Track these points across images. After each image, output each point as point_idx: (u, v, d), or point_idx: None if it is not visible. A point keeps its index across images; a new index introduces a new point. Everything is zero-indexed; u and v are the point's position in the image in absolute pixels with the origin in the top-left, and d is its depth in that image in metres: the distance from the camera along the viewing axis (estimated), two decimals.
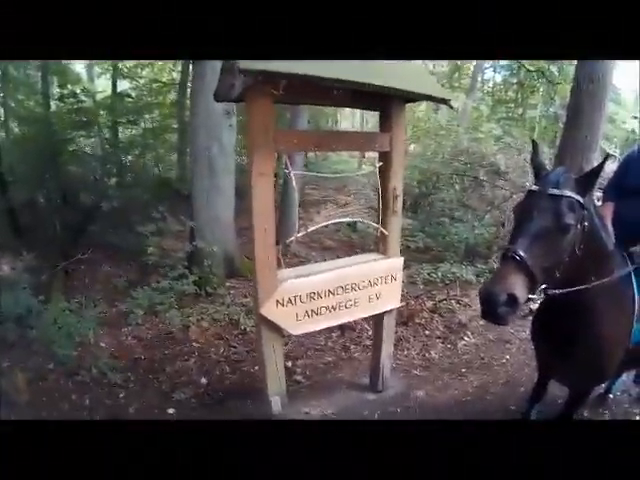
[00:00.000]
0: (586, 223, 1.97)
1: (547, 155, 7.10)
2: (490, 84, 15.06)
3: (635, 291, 2.36)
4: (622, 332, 2.34)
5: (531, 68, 11.84)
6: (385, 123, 3.04)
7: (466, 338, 4.25)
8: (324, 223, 3.18)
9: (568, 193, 1.90)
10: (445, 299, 4.70)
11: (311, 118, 9.50)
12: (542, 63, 11.72)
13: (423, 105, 12.52)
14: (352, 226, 7.85)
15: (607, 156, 1.92)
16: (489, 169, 7.61)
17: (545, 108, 12.39)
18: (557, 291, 1.98)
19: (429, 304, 4.64)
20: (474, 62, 14.27)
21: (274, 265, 2.68)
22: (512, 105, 12.99)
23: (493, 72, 14.77)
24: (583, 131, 5.98)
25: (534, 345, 2.72)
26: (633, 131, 13.72)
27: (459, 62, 15.24)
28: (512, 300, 1.75)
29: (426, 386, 3.49)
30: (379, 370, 3.43)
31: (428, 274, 5.20)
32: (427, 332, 4.30)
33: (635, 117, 13.65)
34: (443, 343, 4.17)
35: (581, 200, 1.93)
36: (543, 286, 1.91)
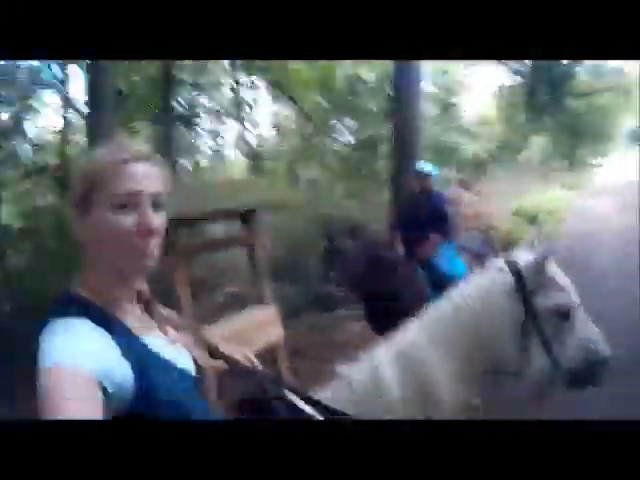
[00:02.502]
0: (361, 251, 3.98)
1: None
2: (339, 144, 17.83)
3: (423, 276, 4.33)
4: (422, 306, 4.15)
5: None
6: None
7: None
8: None
9: (344, 241, 3.99)
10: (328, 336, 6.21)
11: None
12: None
13: None
14: None
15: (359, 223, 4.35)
16: None
17: None
18: (359, 292, 4.14)
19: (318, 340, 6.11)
20: None
21: None
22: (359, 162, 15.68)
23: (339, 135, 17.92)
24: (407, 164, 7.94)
25: None
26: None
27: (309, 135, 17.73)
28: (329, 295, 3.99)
29: None
30: None
31: (310, 324, 6.44)
32: None
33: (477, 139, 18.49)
34: None
35: (351, 242, 3.98)
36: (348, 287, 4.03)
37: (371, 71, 14.56)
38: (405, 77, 8.81)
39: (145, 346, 1.08)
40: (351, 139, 17.37)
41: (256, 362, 1.53)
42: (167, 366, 1.11)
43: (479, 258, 4.72)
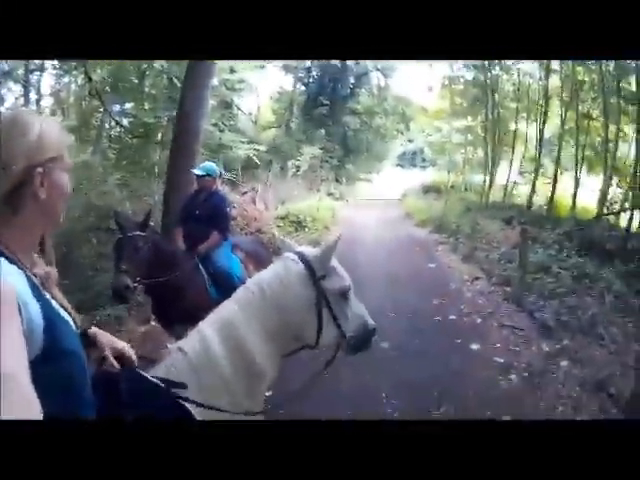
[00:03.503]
0: (150, 244, 4.14)
1: None
2: (117, 130, 15.83)
3: (203, 270, 4.71)
4: (202, 298, 4.41)
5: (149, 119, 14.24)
6: None
7: None
8: None
9: (135, 233, 4.08)
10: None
11: None
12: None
13: None
14: None
15: (149, 212, 4.50)
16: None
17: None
18: (145, 281, 4.20)
19: None
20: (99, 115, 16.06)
21: None
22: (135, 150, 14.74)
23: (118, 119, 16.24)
24: (185, 161, 7.99)
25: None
26: (249, 157, 17.78)
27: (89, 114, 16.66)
28: (127, 287, 3.95)
29: None
30: None
31: (90, 322, 6.17)
32: None
33: (250, 142, 17.95)
34: None
35: (143, 234, 4.11)
36: (138, 279, 4.06)
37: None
38: (198, 67, 8.44)
39: (48, 301, 1.15)
40: (128, 124, 16.04)
41: (133, 357, 1.62)
42: (64, 320, 1.20)
43: (252, 257, 5.31)
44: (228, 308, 1.98)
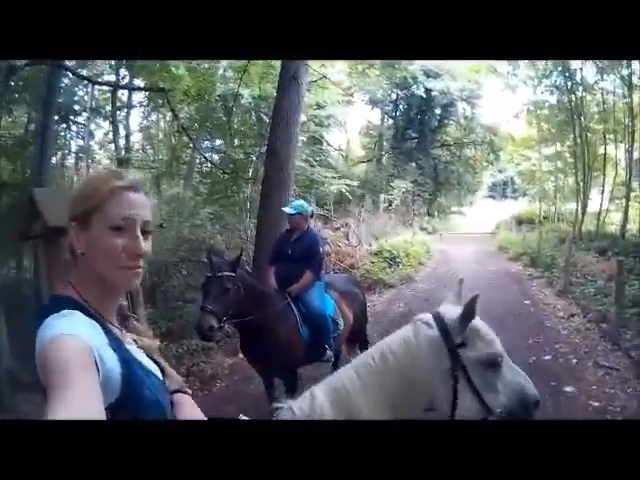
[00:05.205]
0: (239, 284, 4.21)
1: None
2: (208, 165, 16.63)
3: (295, 310, 4.67)
4: (292, 337, 4.55)
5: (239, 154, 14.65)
6: None
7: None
8: None
9: (224, 273, 4.15)
10: (194, 364, 6.63)
11: None
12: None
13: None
14: None
15: (241, 252, 4.56)
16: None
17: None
18: (234, 320, 4.34)
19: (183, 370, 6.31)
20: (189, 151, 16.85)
21: None
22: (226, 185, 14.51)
23: (208, 155, 16.42)
24: (277, 198, 8.07)
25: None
26: (340, 192, 17.85)
27: (178, 149, 17.46)
28: (211, 328, 4.05)
29: None
30: None
31: (176, 350, 6.82)
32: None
33: (342, 177, 17.86)
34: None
35: (233, 274, 4.18)
36: (224, 319, 4.14)
37: (251, 91, 13.99)
38: (285, 102, 8.59)
39: (127, 350, 1.22)
40: (219, 160, 16.61)
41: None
42: (146, 370, 1.25)
43: (345, 296, 5.26)
44: (344, 373, 1.83)
